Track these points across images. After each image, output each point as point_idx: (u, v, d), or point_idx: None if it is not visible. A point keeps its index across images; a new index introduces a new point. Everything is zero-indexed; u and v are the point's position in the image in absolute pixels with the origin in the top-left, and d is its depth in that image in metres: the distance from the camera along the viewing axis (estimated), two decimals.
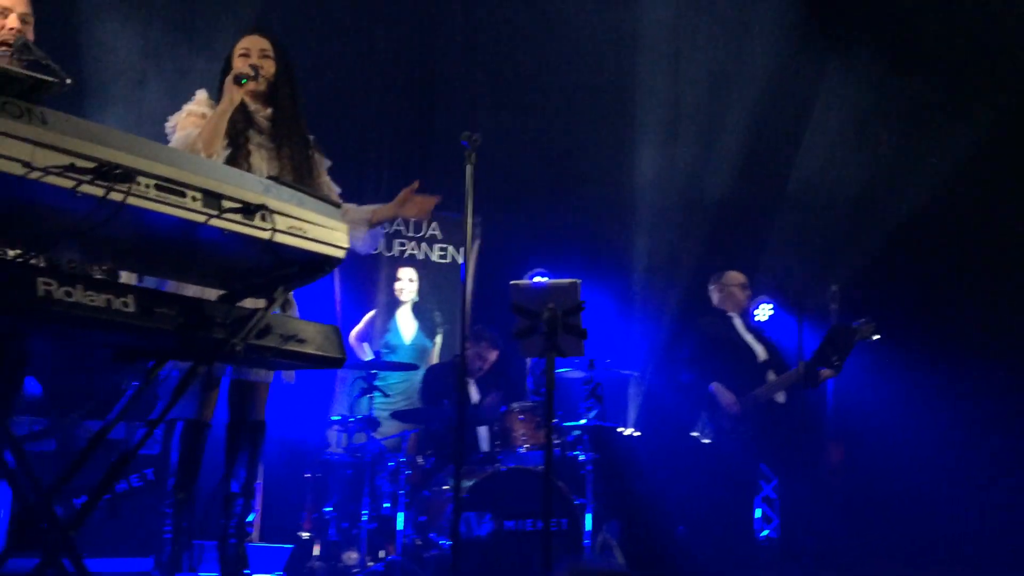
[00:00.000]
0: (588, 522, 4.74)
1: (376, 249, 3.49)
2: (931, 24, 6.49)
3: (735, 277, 5.39)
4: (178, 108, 3.26)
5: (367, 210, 3.40)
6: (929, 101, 6.60)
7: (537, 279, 5.67)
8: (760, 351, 5.20)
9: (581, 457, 4.91)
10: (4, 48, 2.36)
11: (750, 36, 6.96)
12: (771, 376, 5.10)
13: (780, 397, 5.06)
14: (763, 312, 6.29)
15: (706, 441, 5.20)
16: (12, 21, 2.43)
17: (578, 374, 5.07)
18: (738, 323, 5.32)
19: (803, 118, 6.99)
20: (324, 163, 3.41)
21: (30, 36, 2.44)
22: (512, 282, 3.14)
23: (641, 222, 7.15)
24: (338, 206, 2.20)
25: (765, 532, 6.02)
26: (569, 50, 6.90)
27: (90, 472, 2.17)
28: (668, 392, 5.82)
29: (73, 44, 5.39)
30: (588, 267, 6.23)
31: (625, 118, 7.08)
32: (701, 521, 5.34)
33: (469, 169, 3.11)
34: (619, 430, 5.73)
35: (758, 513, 5.71)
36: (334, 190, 3.38)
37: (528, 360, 5.67)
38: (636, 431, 6.13)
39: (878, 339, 4.95)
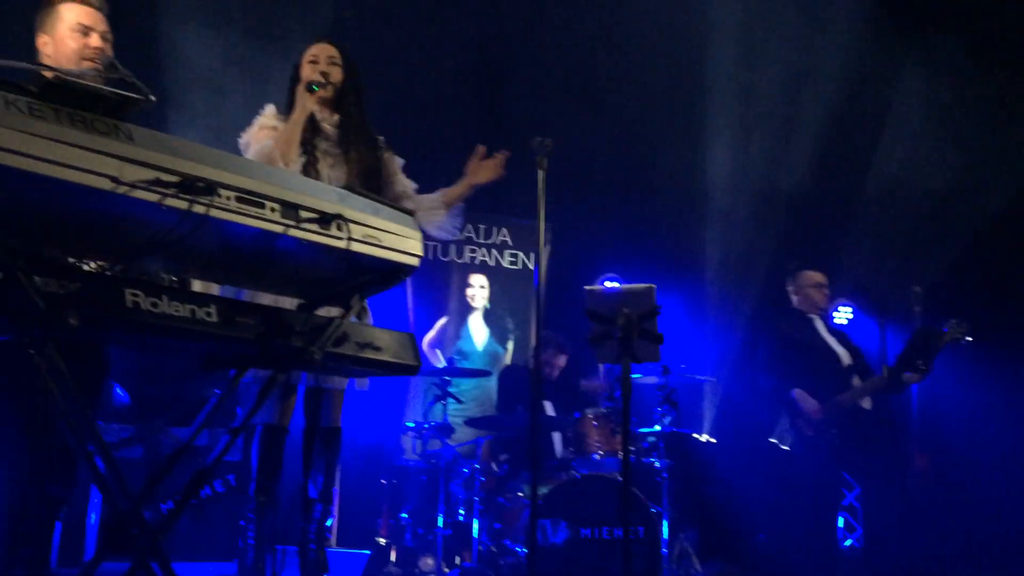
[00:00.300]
0: (665, 530, 4.67)
1: (460, 233, 3.49)
2: (1013, 14, 6.25)
3: (811, 277, 5.21)
4: (255, 114, 3.33)
5: (439, 193, 3.41)
6: (1014, 93, 6.34)
7: (608, 284, 5.63)
8: (843, 355, 5.03)
9: (657, 464, 4.85)
10: (89, 65, 2.45)
11: (825, 29, 6.77)
12: (856, 381, 4.94)
13: (865, 403, 4.89)
14: (842, 315, 6.12)
15: (785, 448, 5.08)
16: (95, 40, 2.51)
17: (652, 380, 5.01)
18: (819, 325, 5.15)
19: (882, 112, 6.78)
20: (398, 162, 3.44)
21: (109, 52, 2.52)
22: (586, 287, 3.12)
23: (714, 223, 7.02)
24: (411, 213, 2.21)
25: (848, 542, 5.85)
26: (638, 48, 6.81)
27: (175, 478, 2.22)
28: (745, 397, 5.71)
29: (153, 53, 5.57)
30: (660, 271, 6.15)
31: (697, 117, 6.97)
32: (782, 529, 5.22)
33: (541, 175, 3.10)
34: (695, 436, 5.64)
35: (840, 522, 5.55)
36: (409, 187, 3.41)
37: (600, 366, 5.63)
38: (712, 437, 6.03)
39: (967, 341, 4.75)
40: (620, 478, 4.56)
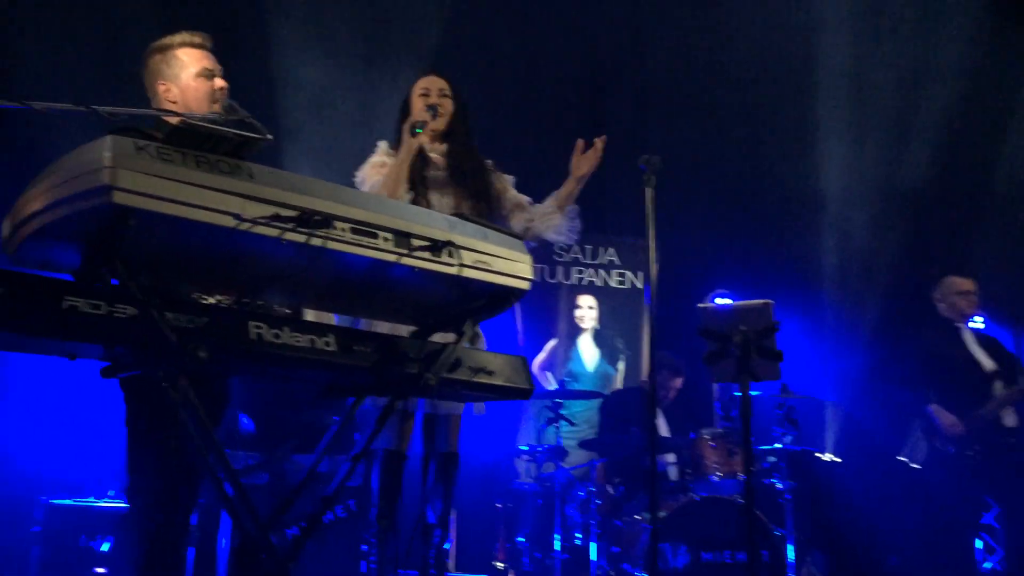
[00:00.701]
0: (791, 553, 4.51)
1: (577, 237, 3.49)
2: None
3: (956, 284, 4.93)
4: (363, 139, 3.42)
5: (550, 198, 3.41)
6: None
7: (719, 300, 5.51)
8: (987, 362, 4.75)
9: (779, 485, 4.70)
10: (216, 108, 2.54)
11: (943, 21, 6.47)
12: (998, 388, 4.66)
13: (1009, 419, 4.60)
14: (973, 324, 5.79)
15: (915, 466, 4.84)
16: (219, 83, 2.61)
17: (770, 397, 4.86)
18: (966, 335, 4.87)
19: (1007, 105, 6.40)
20: (507, 179, 3.48)
21: (227, 93, 2.61)
22: (700, 305, 3.06)
23: (830, 232, 6.74)
24: (520, 238, 2.22)
25: (988, 564, 5.52)
26: (743, 53, 6.67)
27: (298, 503, 2.28)
28: (871, 414, 5.47)
29: (266, 80, 5.81)
30: (772, 284, 5.98)
31: (808, 120, 6.72)
32: (915, 552, 4.98)
33: (649, 192, 3.06)
34: (818, 455, 5.44)
35: (979, 544, 5.24)
36: (522, 199, 3.43)
37: (714, 385, 5.50)
38: (836, 457, 5.80)
39: None
40: (741, 500, 4.44)
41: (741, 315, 2.77)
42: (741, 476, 4.60)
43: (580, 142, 3.36)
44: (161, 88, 2.60)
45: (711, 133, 6.78)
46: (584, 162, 3.35)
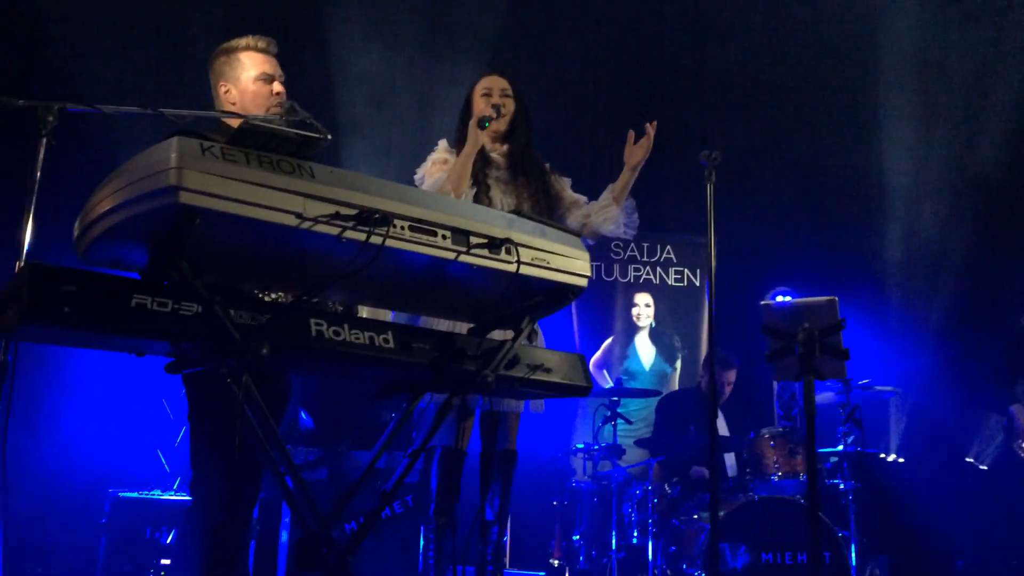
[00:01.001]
0: (853, 556, 4.42)
1: (635, 232, 3.48)
2: None
3: None
4: (421, 135, 3.45)
5: (606, 191, 3.40)
6: None
7: (780, 297, 5.42)
8: None
9: (842, 486, 4.61)
10: (275, 111, 2.59)
11: (1016, 3, 6.23)
12: None
13: None
14: None
15: (983, 467, 4.70)
16: (277, 87, 2.66)
17: (832, 396, 4.77)
18: None
19: None
20: (565, 181, 3.48)
21: (285, 96, 2.65)
22: (762, 302, 3.01)
23: (895, 226, 6.56)
24: (578, 235, 2.21)
25: None
26: (803, 42, 6.54)
27: (357, 499, 2.30)
28: (938, 413, 5.33)
29: (327, 77, 5.88)
30: (835, 281, 5.86)
31: (871, 112, 6.57)
32: (983, 556, 4.84)
33: (709, 188, 3.02)
34: (881, 456, 5.32)
35: None
36: (580, 198, 3.43)
37: (775, 384, 5.42)
38: (900, 457, 5.67)
39: None
40: (803, 500, 4.36)
41: (805, 312, 2.71)
42: (802, 476, 4.53)
43: (631, 132, 3.34)
44: (222, 90, 2.67)
45: (771, 125, 6.67)
46: (637, 150, 3.33)
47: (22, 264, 2.33)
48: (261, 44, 2.66)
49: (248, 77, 2.65)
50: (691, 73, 7.02)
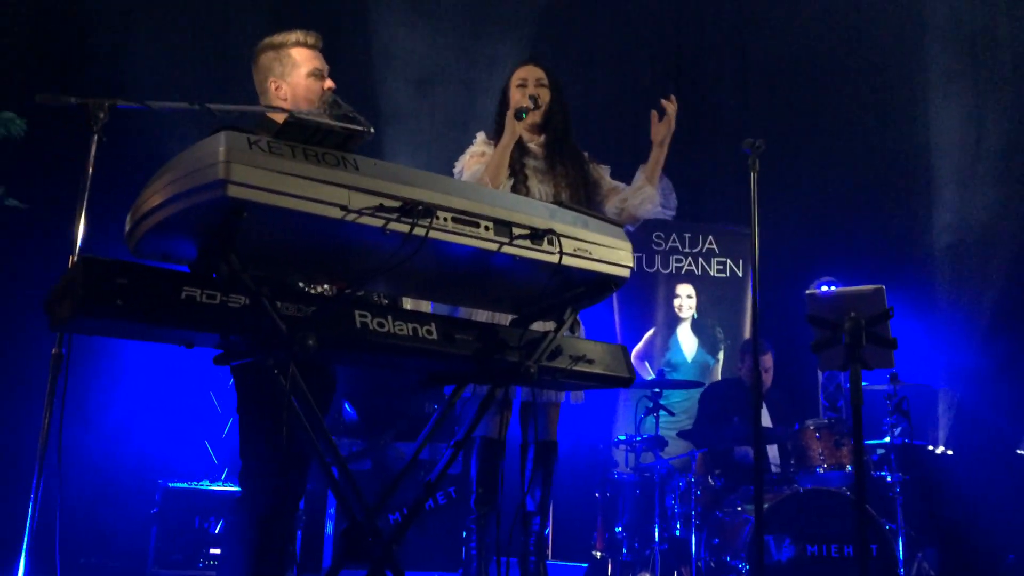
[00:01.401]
0: (900, 549, 4.36)
1: (673, 212, 3.46)
2: None
3: None
4: (461, 125, 3.46)
5: (638, 175, 3.38)
6: None
7: (824, 287, 5.35)
8: None
9: (888, 478, 4.54)
10: (321, 106, 2.62)
11: None
12: None
13: None
14: None
15: None
16: (329, 82, 2.69)
17: (879, 388, 4.70)
18: None
19: None
20: (604, 170, 3.48)
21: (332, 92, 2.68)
22: (808, 291, 2.97)
23: (943, 212, 6.39)
24: (621, 226, 2.20)
25: None
26: (846, 24, 6.40)
27: (401, 490, 2.32)
28: (987, 404, 5.22)
29: (369, 66, 5.92)
30: (880, 269, 5.77)
31: (917, 92, 6.38)
32: None
33: (753, 177, 2.99)
34: (929, 448, 5.24)
35: None
36: (618, 187, 3.43)
37: (820, 375, 5.35)
38: (948, 449, 5.57)
39: None
40: (849, 493, 4.31)
41: (851, 301, 2.67)
42: (848, 468, 4.47)
43: (654, 112, 3.32)
44: (272, 85, 2.67)
45: (814, 110, 6.56)
46: (661, 127, 3.32)
47: (75, 258, 2.39)
48: (310, 40, 2.68)
49: (300, 73, 2.66)
50: (732, 60, 6.94)
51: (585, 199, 3.31)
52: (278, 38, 2.68)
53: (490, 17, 6.33)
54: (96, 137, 2.41)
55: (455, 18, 6.34)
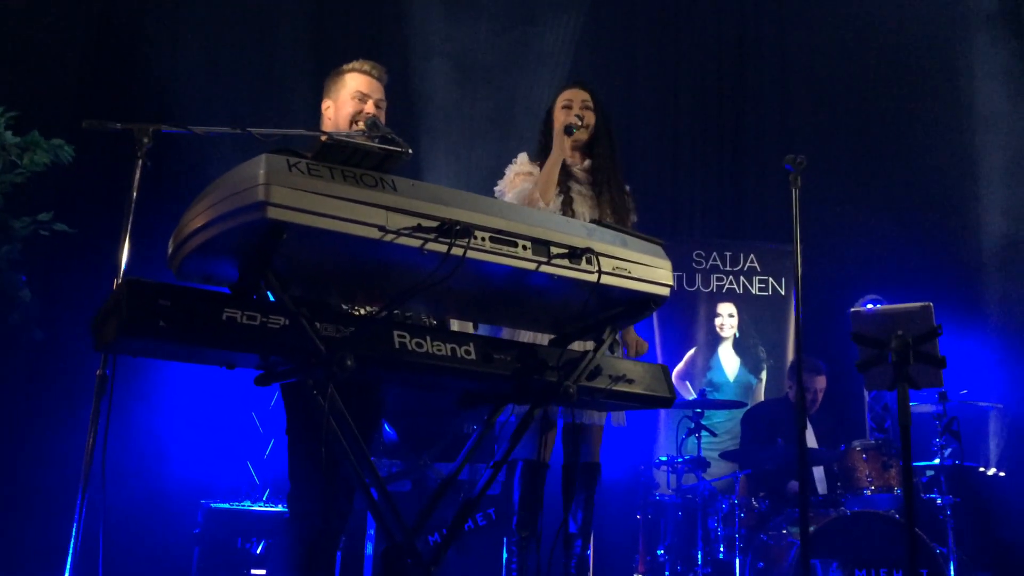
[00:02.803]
0: (951, 573, 4.24)
1: None
2: None
3: None
4: (499, 145, 3.47)
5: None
6: None
7: (870, 305, 5.25)
8: None
9: (939, 501, 4.42)
10: (357, 128, 2.67)
11: None
12: None
13: None
14: None
15: None
16: (369, 107, 2.77)
17: (927, 408, 4.59)
18: None
19: None
20: (633, 217, 3.45)
21: (382, 118, 2.74)
22: (852, 309, 2.92)
23: (992, 227, 6.22)
24: (660, 244, 2.18)
25: None
26: (887, 30, 6.29)
27: (440, 511, 2.31)
28: None
29: (407, 91, 5.97)
30: (926, 286, 5.63)
31: (963, 97, 6.24)
32: None
33: (795, 193, 2.95)
34: (981, 470, 5.10)
35: None
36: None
37: (866, 395, 5.24)
38: (1001, 471, 5.41)
39: None
40: (898, 515, 4.21)
41: (898, 319, 2.62)
42: (897, 490, 4.37)
43: None
44: (324, 106, 2.83)
45: (856, 124, 6.46)
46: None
47: (120, 281, 2.42)
48: (366, 67, 2.82)
49: (346, 94, 2.78)
50: (774, 75, 6.88)
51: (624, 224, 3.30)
52: (344, 66, 2.83)
53: (528, 42, 6.35)
54: (141, 162, 2.46)
55: (493, 48, 6.36)
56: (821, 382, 5.18)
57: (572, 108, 3.38)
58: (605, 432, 3.40)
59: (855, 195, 6.44)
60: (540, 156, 3.35)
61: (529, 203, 3.17)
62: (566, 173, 3.33)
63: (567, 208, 3.26)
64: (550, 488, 3.32)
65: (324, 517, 2.47)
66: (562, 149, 3.23)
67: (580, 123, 3.27)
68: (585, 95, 3.42)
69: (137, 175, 2.47)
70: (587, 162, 3.39)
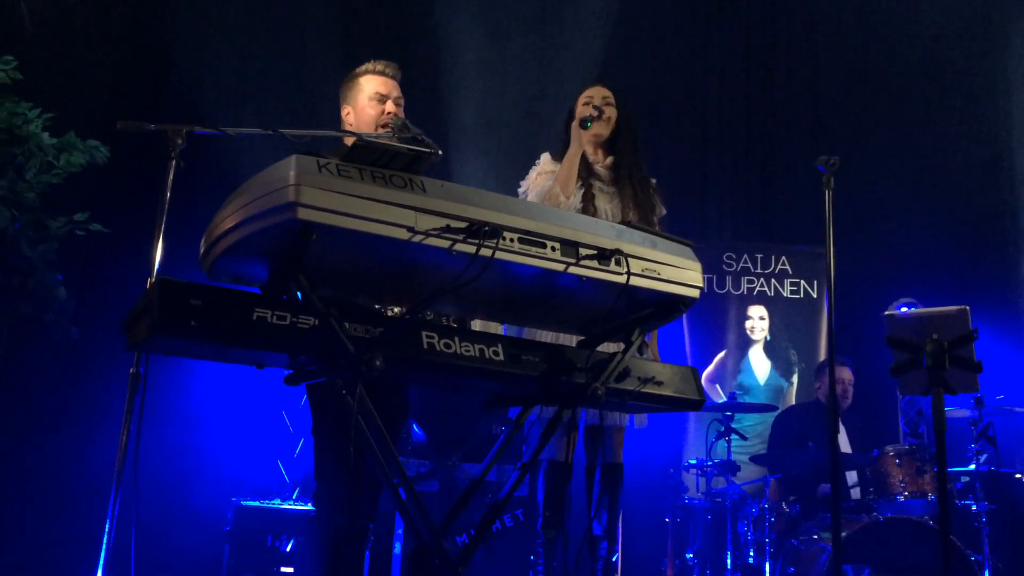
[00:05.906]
0: None
1: None
2: None
3: None
4: (527, 149, 3.47)
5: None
6: None
7: (904, 309, 5.18)
8: None
9: (974, 507, 4.36)
10: (386, 130, 2.68)
11: None
12: None
13: None
14: None
15: None
16: (389, 107, 2.77)
17: (963, 413, 4.52)
18: None
19: None
20: (661, 210, 3.42)
21: (401, 115, 2.75)
22: (887, 312, 2.88)
23: None
24: (690, 245, 2.16)
25: None
26: (919, 34, 6.21)
27: (468, 512, 2.31)
28: None
29: (439, 95, 5.99)
30: (962, 288, 5.55)
31: (997, 108, 6.14)
32: None
33: (828, 195, 2.91)
34: (1017, 476, 5.00)
35: None
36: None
37: (900, 399, 5.18)
38: None
39: None
40: (932, 522, 4.14)
41: (933, 322, 2.57)
42: (931, 496, 4.30)
43: None
44: (344, 112, 2.83)
45: (889, 124, 6.37)
46: None
47: (152, 280, 2.45)
48: (379, 67, 2.81)
49: (363, 98, 2.79)
50: (805, 75, 6.82)
51: (650, 225, 3.27)
52: (356, 69, 2.83)
53: (557, 44, 6.34)
54: (174, 162, 2.48)
55: (523, 48, 6.36)
56: (847, 373, 5.11)
57: (592, 104, 3.38)
58: (633, 434, 3.38)
59: (888, 196, 6.36)
60: (563, 155, 3.35)
61: (549, 198, 3.17)
62: (588, 170, 3.33)
63: (588, 203, 3.26)
64: (576, 490, 3.31)
65: (350, 516, 2.48)
66: (579, 142, 3.23)
67: (597, 115, 3.26)
68: (606, 92, 3.41)
69: (170, 176, 2.49)
70: (609, 159, 3.38)
